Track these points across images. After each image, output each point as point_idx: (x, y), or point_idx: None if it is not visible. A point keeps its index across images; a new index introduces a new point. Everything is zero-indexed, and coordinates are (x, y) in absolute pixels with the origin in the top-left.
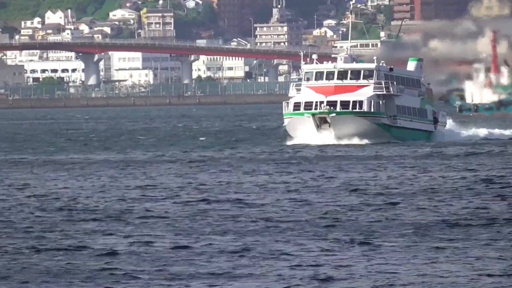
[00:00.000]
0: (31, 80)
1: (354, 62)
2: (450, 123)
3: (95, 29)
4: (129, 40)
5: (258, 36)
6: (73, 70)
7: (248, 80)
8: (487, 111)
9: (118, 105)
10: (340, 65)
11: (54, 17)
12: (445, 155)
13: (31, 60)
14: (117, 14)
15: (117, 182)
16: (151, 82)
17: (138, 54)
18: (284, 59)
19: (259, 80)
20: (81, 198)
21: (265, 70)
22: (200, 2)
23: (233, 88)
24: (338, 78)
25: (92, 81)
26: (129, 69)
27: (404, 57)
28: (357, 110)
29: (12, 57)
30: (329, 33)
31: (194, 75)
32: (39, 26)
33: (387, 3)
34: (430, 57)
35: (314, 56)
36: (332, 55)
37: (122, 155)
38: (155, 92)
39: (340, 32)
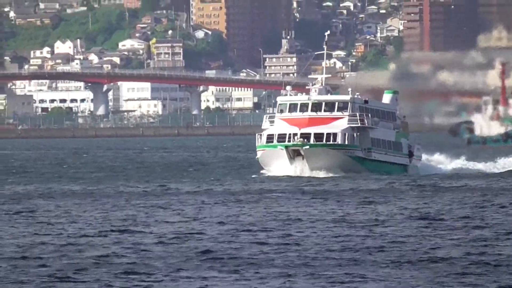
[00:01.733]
0: (40, 110)
1: (329, 94)
2: (437, 156)
3: (105, 59)
4: (138, 70)
5: (267, 66)
6: (82, 100)
7: (257, 111)
8: (495, 143)
9: (127, 136)
10: (314, 97)
11: (63, 47)
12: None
13: (40, 90)
14: (127, 44)
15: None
16: (160, 112)
17: (147, 85)
18: (293, 90)
19: (268, 111)
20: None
21: (274, 101)
22: (210, 32)
23: (242, 119)
24: (312, 110)
25: (101, 111)
26: (138, 100)
27: (413, 88)
28: (331, 142)
29: (21, 87)
30: (338, 64)
31: (203, 105)
32: (49, 56)
33: (397, 34)
34: (439, 88)
35: (288, 88)
36: (306, 87)
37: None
38: (164, 122)
39: (350, 63)
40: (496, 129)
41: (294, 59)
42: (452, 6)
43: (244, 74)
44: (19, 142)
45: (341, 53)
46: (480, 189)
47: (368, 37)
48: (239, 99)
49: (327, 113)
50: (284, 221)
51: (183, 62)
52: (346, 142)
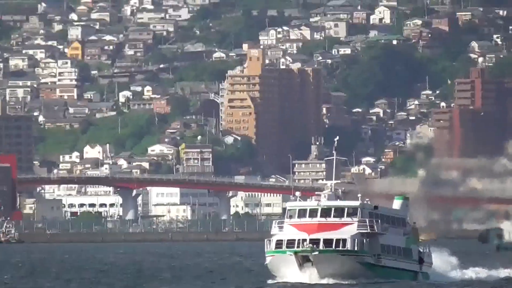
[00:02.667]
0: (69, 214)
1: (338, 200)
2: (452, 261)
3: (134, 164)
4: (167, 176)
5: (296, 172)
6: (111, 205)
7: None
8: None
9: (156, 241)
10: (324, 202)
11: (92, 152)
12: None
13: (69, 195)
14: (156, 149)
15: None
16: (189, 217)
17: (176, 190)
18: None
19: None
20: None
21: None
22: (239, 138)
23: (271, 225)
24: (321, 216)
25: (130, 216)
26: (167, 205)
27: (442, 195)
28: (341, 248)
29: (50, 191)
30: (368, 170)
31: (232, 210)
32: (77, 160)
33: (426, 140)
34: (468, 194)
35: (298, 194)
36: (316, 193)
37: None
38: (193, 227)
39: (379, 169)
40: None
41: (324, 165)
42: (482, 113)
43: (273, 180)
44: (51, 247)
45: (370, 159)
46: None
47: (397, 143)
48: (268, 205)
49: (337, 219)
50: None
51: (212, 167)
52: (356, 248)
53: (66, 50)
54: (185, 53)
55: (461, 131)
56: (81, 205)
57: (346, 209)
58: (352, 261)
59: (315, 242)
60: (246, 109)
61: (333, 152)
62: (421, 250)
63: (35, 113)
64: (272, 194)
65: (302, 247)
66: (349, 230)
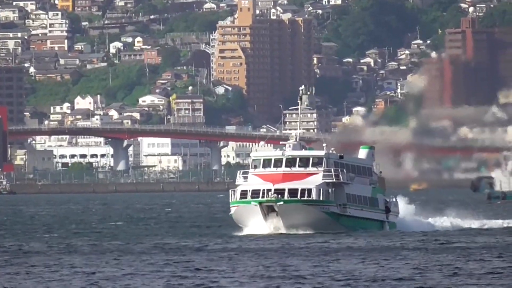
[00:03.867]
0: (60, 165)
1: (303, 149)
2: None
3: (125, 114)
4: (158, 126)
5: (287, 122)
6: (102, 156)
7: None
8: None
9: (147, 191)
10: (289, 152)
11: (83, 103)
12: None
13: (60, 146)
14: (147, 100)
15: None
16: (180, 168)
17: (167, 140)
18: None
19: None
20: None
21: None
22: (230, 88)
23: None
24: (286, 166)
25: (121, 166)
26: (158, 155)
27: (434, 144)
28: (306, 198)
29: (41, 142)
30: (359, 120)
31: (223, 161)
32: (68, 111)
33: (417, 90)
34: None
35: (262, 143)
36: (281, 142)
37: None
38: (184, 178)
39: (370, 119)
40: None
41: (314, 115)
42: (473, 63)
43: (264, 130)
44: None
45: (362, 109)
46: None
47: (388, 93)
48: None
49: (302, 169)
50: None
51: (203, 117)
52: (321, 198)
53: (56, 1)
54: (176, 3)
55: (452, 81)
56: (72, 156)
57: (311, 158)
58: (317, 211)
59: (280, 192)
60: (237, 60)
61: (298, 101)
62: (388, 200)
63: (26, 65)
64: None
65: (267, 197)
66: (314, 180)
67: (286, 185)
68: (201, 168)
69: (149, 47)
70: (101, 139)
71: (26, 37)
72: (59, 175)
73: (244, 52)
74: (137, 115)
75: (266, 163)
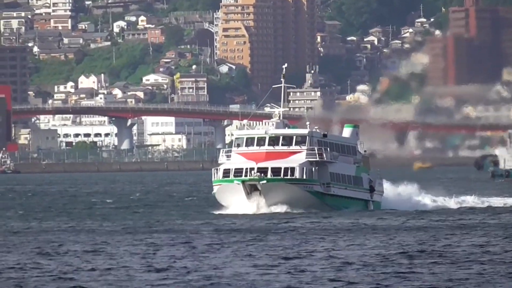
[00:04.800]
0: (64, 144)
1: (287, 128)
2: (405, 189)
3: (129, 93)
4: (162, 105)
5: (291, 101)
6: (106, 135)
7: None
8: None
9: (151, 170)
10: (272, 130)
11: (87, 82)
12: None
13: (64, 125)
14: (150, 78)
15: None
16: (184, 146)
17: (171, 119)
18: (317, 124)
19: None
20: None
21: None
22: (234, 67)
23: None
24: (269, 144)
25: (125, 145)
26: (162, 134)
27: (437, 123)
28: (289, 177)
29: (45, 122)
30: (363, 98)
31: (227, 139)
32: (72, 90)
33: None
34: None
35: (245, 121)
36: (264, 120)
37: None
38: (188, 157)
39: (374, 97)
40: None
41: (318, 93)
42: (476, 42)
43: (268, 108)
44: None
45: (365, 87)
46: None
47: (392, 71)
48: None
49: (285, 147)
50: None
51: (207, 96)
52: (304, 177)
53: None
54: None
55: (455, 59)
56: (76, 135)
57: (294, 137)
58: (301, 189)
59: (263, 170)
60: (240, 38)
61: (281, 79)
62: (372, 179)
63: (30, 44)
64: (267, 123)
65: (249, 176)
66: (297, 158)
67: (269, 164)
68: (205, 147)
69: (153, 26)
70: (105, 118)
71: (29, 16)
72: (63, 154)
73: (248, 30)
74: (141, 94)
75: (249, 141)
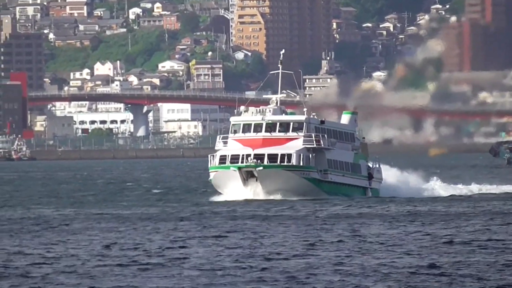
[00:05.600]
0: (80, 131)
1: (284, 114)
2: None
3: (144, 80)
4: (178, 92)
5: (307, 88)
6: (122, 122)
7: None
8: None
9: (167, 157)
10: (269, 117)
11: (103, 69)
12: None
13: (80, 112)
14: (166, 65)
15: None
16: (200, 133)
17: (187, 106)
18: (332, 110)
19: None
20: None
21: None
22: (249, 54)
23: None
24: (266, 131)
25: (141, 132)
26: (178, 121)
27: (453, 109)
28: (286, 163)
29: (61, 108)
30: (379, 85)
31: None
32: (88, 77)
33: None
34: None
35: (243, 108)
36: (260, 106)
37: None
38: (204, 143)
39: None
40: None
41: (335, 80)
42: (492, 28)
43: (284, 95)
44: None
45: (381, 74)
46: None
47: (408, 58)
48: None
49: (282, 134)
50: None
51: (222, 83)
52: (301, 163)
53: None
54: None
55: (471, 45)
56: (92, 122)
57: (291, 123)
58: (298, 176)
59: (259, 157)
60: (256, 25)
61: (278, 66)
62: (371, 166)
63: (45, 31)
64: None
65: (246, 163)
66: (294, 145)
67: (266, 150)
68: (221, 134)
69: (168, 12)
70: (121, 105)
71: (45, 3)
72: (79, 141)
73: (263, 17)
74: (156, 81)
75: (246, 128)
